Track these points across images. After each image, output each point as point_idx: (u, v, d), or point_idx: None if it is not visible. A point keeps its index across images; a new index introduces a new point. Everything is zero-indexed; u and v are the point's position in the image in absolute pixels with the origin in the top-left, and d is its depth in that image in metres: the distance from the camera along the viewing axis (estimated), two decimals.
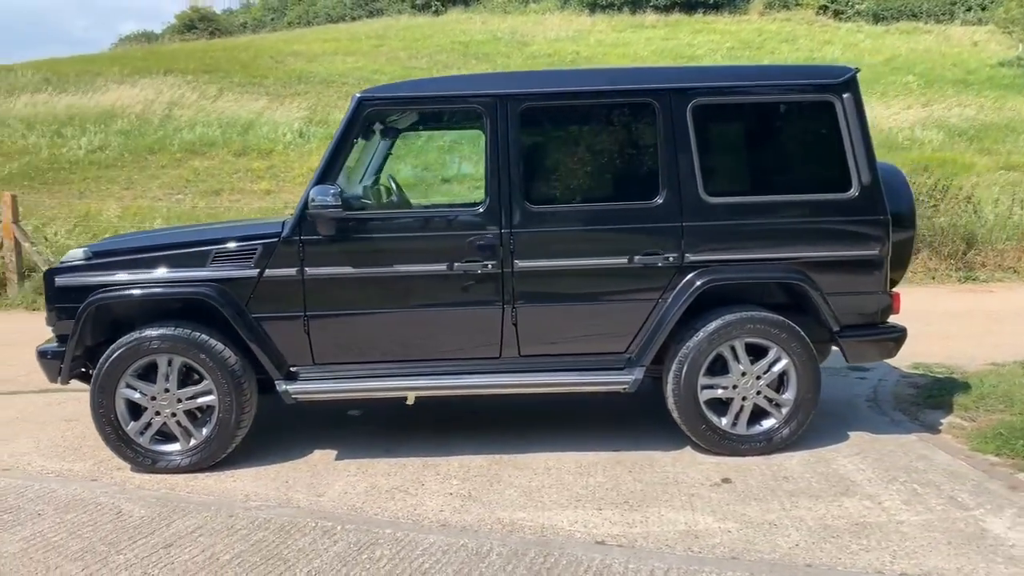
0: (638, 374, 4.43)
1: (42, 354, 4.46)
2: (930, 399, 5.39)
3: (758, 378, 4.45)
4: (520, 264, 4.36)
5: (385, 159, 5.33)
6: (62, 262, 4.55)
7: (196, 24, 44.68)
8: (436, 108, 4.73)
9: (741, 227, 4.45)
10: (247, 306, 4.36)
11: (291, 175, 14.63)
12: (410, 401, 4.53)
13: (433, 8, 41.57)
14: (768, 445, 4.48)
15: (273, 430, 5.02)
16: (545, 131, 4.61)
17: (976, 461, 4.33)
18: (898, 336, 4.57)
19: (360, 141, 4.55)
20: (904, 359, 6.10)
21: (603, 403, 5.29)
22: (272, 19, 47.95)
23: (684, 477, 4.22)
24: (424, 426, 5.06)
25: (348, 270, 4.38)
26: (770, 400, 4.49)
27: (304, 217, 4.32)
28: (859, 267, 4.51)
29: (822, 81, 4.47)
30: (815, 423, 4.72)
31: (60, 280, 4.41)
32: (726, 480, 4.16)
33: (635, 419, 5.09)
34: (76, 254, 4.50)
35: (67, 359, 4.34)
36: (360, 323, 4.45)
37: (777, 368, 4.45)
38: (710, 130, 4.52)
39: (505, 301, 4.40)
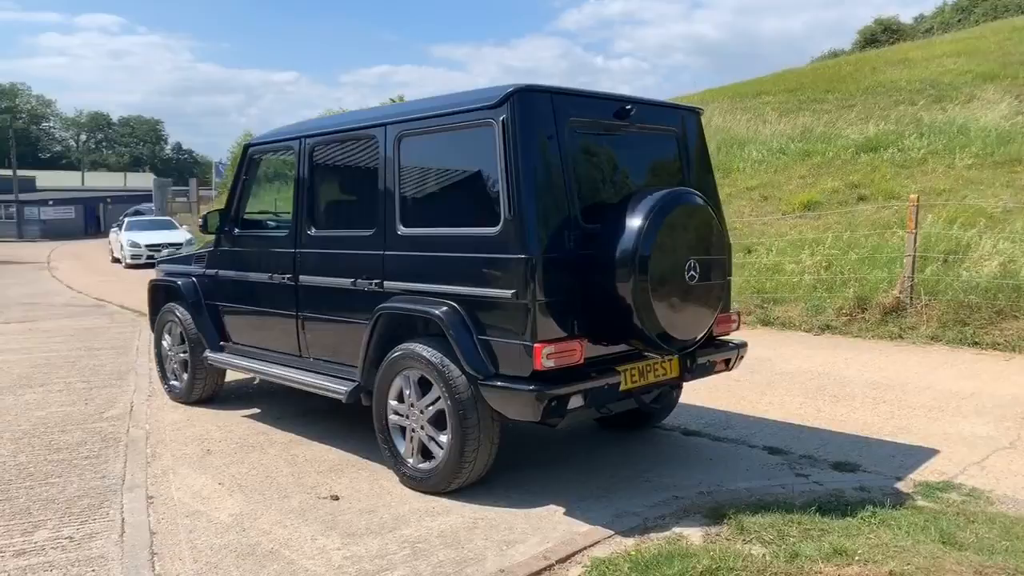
0: (349, 386, 4.81)
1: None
2: (734, 511, 3.96)
3: (421, 412, 4.38)
4: (302, 279, 5.21)
5: None
6: (159, 261, 7.15)
7: (879, 36, 44.55)
8: (280, 150, 5.71)
9: (418, 259, 4.42)
10: (204, 295, 6.24)
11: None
12: (256, 382, 5.76)
13: None
14: (427, 484, 4.36)
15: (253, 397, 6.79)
16: (322, 166, 5.22)
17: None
18: (534, 394, 3.84)
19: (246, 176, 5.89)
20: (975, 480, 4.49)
21: None
22: (959, 20, 44.79)
23: (324, 485, 4.54)
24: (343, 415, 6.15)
25: (232, 274, 5.89)
26: (432, 438, 4.35)
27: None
28: (498, 310, 4.00)
29: (480, 104, 4.08)
30: (571, 485, 4.44)
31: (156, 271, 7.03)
32: (335, 497, 4.36)
33: None
34: (164, 255, 7.04)
35: (150, 320, 6.93)
36: (241, 316, 5.90)
37: (435, 407, 4.30)
38: (409, 161, 4.53)
39: (298, 309, 5.30)
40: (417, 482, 4.41)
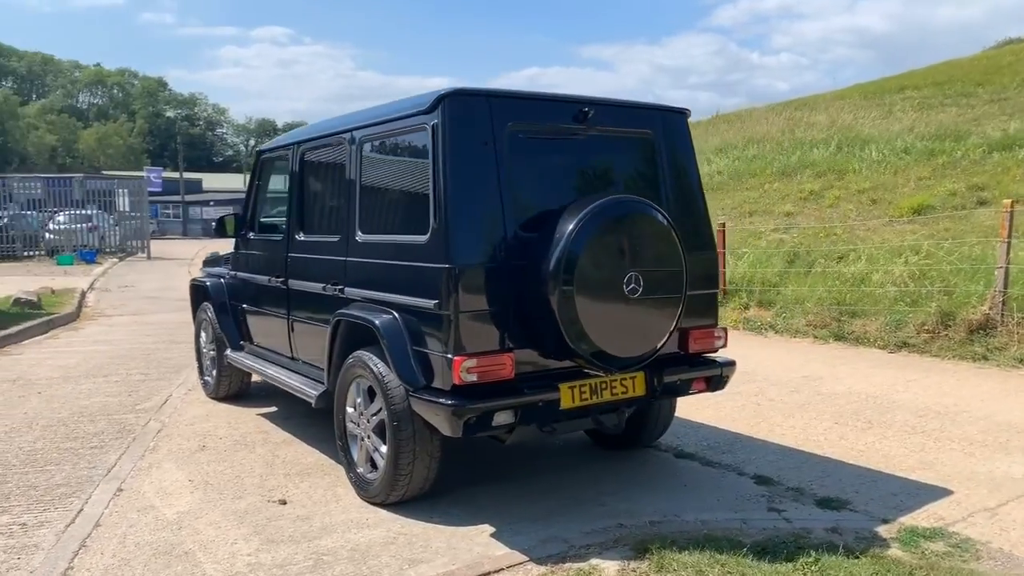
0: (320, 390, 4.84)
1: None
2: (659, 546, 3.63)
3: (368, 421, 4.34)
4: (291, 283, 5.31)
5: None
6: (205, 260, 7.49)
7: None
8: (281, 157, 5.77)
9: (370, 266, 4.39)
10: (229, 296, 6.48)
11: (821, 198, 14.00)
12: (256, 378, 5.91)
13: None
14: (371, 494, 4.32)
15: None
16: (308, 172, 5.25)
17: None
18: (451, 408, 3.70)
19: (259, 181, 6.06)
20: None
21: None
22: None
23: (283, 488, 4.58)
24: None
25: (246, 276, 6.08)
26: (376, 448, 4.30)
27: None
28: (426, 321, 3.89)
29: (416, 109, 3.99)
30: (520, 504, 4.28)
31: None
32: (283, 501, 4.39)
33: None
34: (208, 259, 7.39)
35: (193, 318, 7.29)
36: (253, 317, 6.08)
37: (378, 417, 4.25)
38: (367, 168, 4.51)
39: (288, 312, 5.40)
40: (364, 491, 4.37)
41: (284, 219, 5.61)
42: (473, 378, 3.73)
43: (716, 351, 4.66)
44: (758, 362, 7.76)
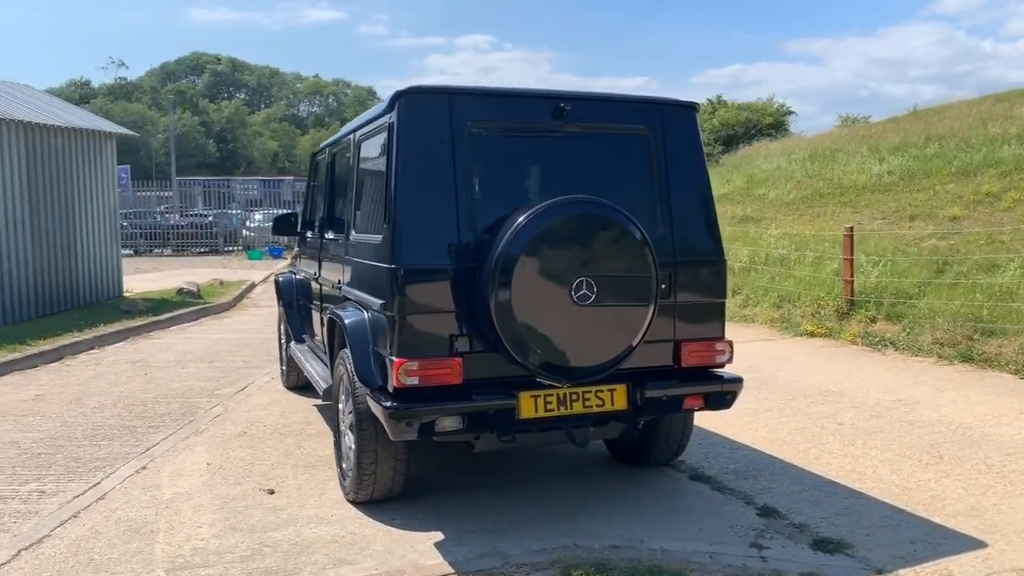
0: (329, 384, 4.95)
1: None
2: (583, 572, 3.38)
3: (346, 418, 4.38)
4: (321, 279, 5.49)
5: None
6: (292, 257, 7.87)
7: None
8: (323, 158, 5.88)
9: (355, 265, 4.43)
10: (297, 291, 6.79)
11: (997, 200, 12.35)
12: (305, 372, 6.12)
13: None
14: (346, 490, 4.36)
15: None
16: (335, 172, 5.37)
17: None
18: (388, 411, 3.62)
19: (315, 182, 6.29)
20: None
21: None
22: None
23: (282, 478, 4.73)
24: None
25: (302, 272, 6.36)
26: (350, 446, 4.33)
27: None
28: (379, 321, 3.86)
29: (382, 108, 3.97)
30: (489, 514, 4.14)
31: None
32: (270, 491, 4.53)
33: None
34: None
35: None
36: (307, 311, 6.33)
37: (352, 415, 4.28)
38: (362, 168, 4.55)
39: (320, 307, 5.58)
40: (343, 487, 4.42)
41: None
42: (414, 381, 3.64)
43: (720, 366, 4.25)
44: (853, 381, 7.01)
